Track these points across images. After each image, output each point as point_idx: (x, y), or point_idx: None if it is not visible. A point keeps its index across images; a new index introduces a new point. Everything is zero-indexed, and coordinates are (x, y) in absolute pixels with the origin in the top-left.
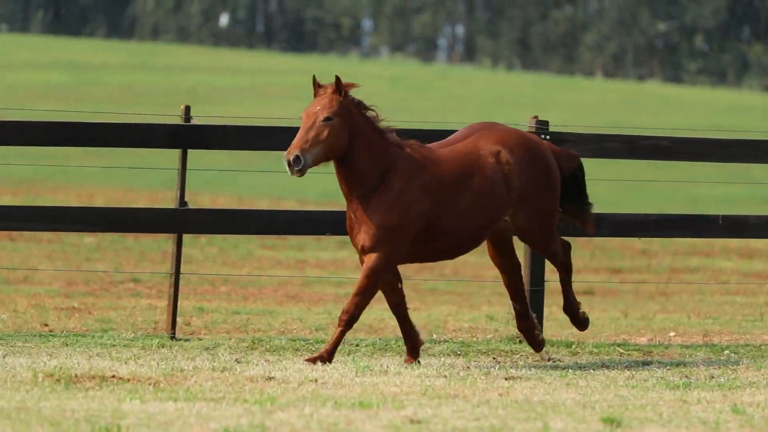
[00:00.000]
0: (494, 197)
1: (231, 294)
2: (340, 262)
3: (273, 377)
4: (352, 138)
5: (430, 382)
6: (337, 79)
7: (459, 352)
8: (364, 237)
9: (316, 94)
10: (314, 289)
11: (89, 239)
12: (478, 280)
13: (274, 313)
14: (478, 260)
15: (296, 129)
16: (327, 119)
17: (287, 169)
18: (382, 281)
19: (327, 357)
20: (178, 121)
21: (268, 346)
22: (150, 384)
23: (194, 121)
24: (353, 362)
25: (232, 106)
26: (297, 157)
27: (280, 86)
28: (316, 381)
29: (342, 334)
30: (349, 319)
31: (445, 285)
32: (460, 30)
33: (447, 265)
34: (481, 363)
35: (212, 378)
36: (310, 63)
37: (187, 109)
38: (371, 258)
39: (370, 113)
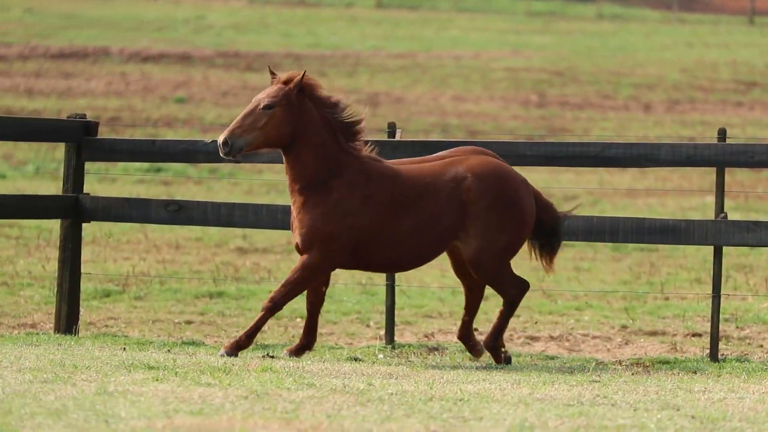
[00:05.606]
0: (443, 222)
1: None
2: None
3: None
4: (299, 131)
5: None
6: (291, 74)
7: None
8: (298, 235)
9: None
10: None
11: None
12: None
13: None
14: None
15: None
16: (267, 107)
17: (220, 151)
18: (314, 280)
19: (246, 341)
20: None
21: None
22: None
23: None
24: None
25: None
26: (225, 141)
27: None
28: None
29: (263, 320)
30: (273, 307)
31: None
32: None
33: None
34: None
35: None
36: None
37: None
38: (307, 255)
39: (338, 115)
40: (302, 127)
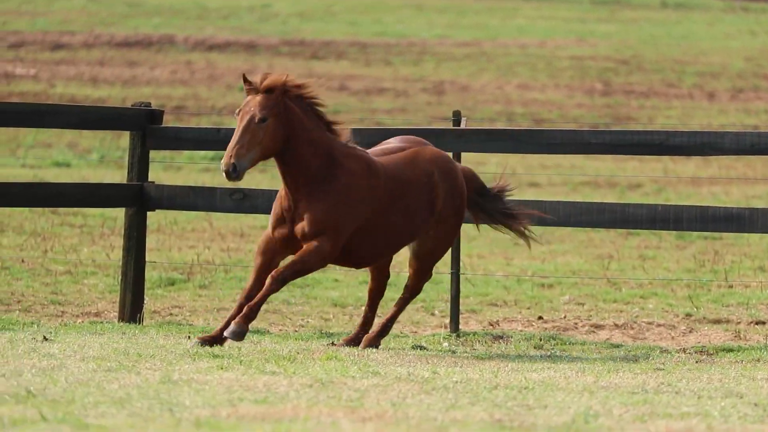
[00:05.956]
0: (419, 216)
1: None
2: None
3: None
4: (291, 134)
5: None
6: (267, 75)
7: None
8: (307, 225)
9: (247, 93)
10: None
11: None
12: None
13: None
14: None
15: None
16: (262, 120)
17: (224, 176)
18: (322, 266)
19: (251, 315)
20: None
21: None
22: None
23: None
24: None
25: None
26: (234, 166)
27: None
28: None
29: (269, 293)
30: (280, 280)
31: None
32: None
33: None
34: None
35: None
36: None
37: None
38: (318, 241)
39: (317, 108)
40: (292, 128)
